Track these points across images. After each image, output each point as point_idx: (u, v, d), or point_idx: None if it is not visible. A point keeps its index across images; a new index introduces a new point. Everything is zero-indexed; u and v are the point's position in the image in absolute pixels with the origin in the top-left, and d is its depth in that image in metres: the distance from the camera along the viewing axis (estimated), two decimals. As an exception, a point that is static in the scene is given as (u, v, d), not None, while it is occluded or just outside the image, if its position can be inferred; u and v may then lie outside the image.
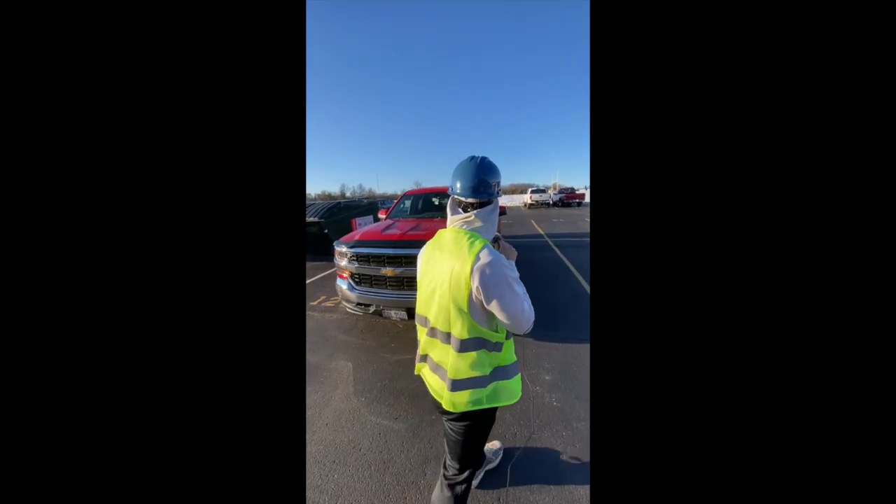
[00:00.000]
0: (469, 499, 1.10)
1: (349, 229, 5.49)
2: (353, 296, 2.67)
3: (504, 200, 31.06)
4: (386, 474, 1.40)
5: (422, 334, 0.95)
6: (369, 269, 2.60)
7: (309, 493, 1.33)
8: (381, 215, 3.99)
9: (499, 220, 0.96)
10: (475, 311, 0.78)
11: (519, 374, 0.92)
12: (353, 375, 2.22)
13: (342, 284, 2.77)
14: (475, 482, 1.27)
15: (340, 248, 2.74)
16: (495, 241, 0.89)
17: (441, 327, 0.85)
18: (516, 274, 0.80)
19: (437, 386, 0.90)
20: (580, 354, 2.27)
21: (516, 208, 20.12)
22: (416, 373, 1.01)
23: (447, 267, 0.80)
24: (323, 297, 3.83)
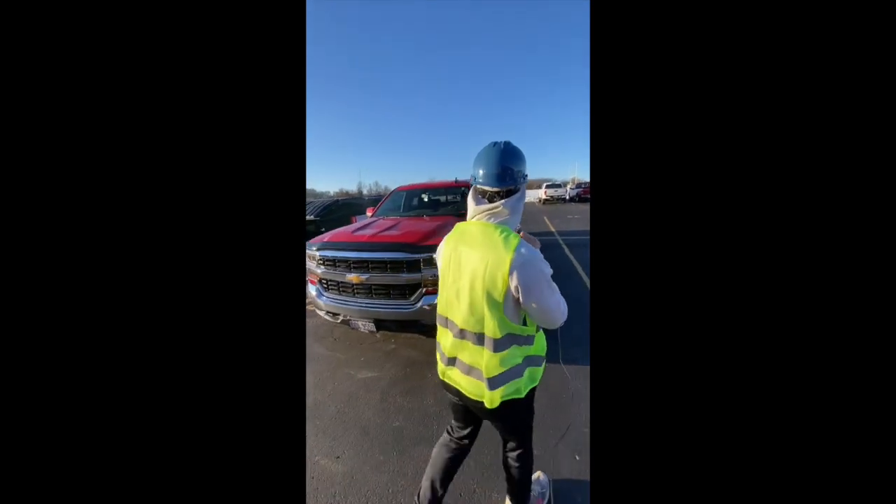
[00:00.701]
0: None
1: (345, 227, 5.26)
2: (321, 303, 2.43)
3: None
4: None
5: (444, 336, 0.91)
6: (336, 275, 2.34)
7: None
8: (369, 213, 3.75)
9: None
10: (508, 307, 0.76)
11: (544, 364, 0.92)
12: (310, 395, 1.97)
13: (311, 290, 2.53)
14: None
15: (310, 250, 2.49)
16: (518, 232, 0.83)
17: (472, 328, 0.81)
18: (550, 269, 0.77)
19: (471, 387, 0.86)
20: (576, 382, 1.90)
21: (530, 204, 19.40)
22: (440, 377, 0.96)
23: (479, 264, 0.76)
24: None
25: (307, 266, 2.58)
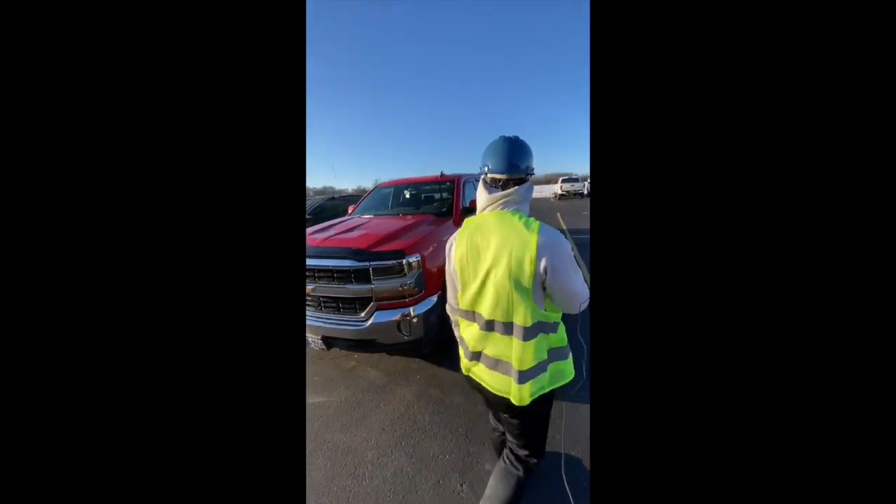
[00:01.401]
0: None
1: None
2: (273, 314, 2.16)
3: (534, 190, 29.47)
4: None
5: (468, 330, 0.90)
6: (285, 283, 2.06)
7: None
8: (350, 210, 3.47)
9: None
10: (536, 293, 0.76)
11: (571, 356, 0.89)
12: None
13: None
14: None
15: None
16: None
17: (501, 318, 0.80)
18: (572, 250, 0.77)
19: (497, 383, 0.85)
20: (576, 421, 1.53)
21: (544, 200, 18.57)
22: (464, 373, 0.96)
23: (502, 251, 0.76)
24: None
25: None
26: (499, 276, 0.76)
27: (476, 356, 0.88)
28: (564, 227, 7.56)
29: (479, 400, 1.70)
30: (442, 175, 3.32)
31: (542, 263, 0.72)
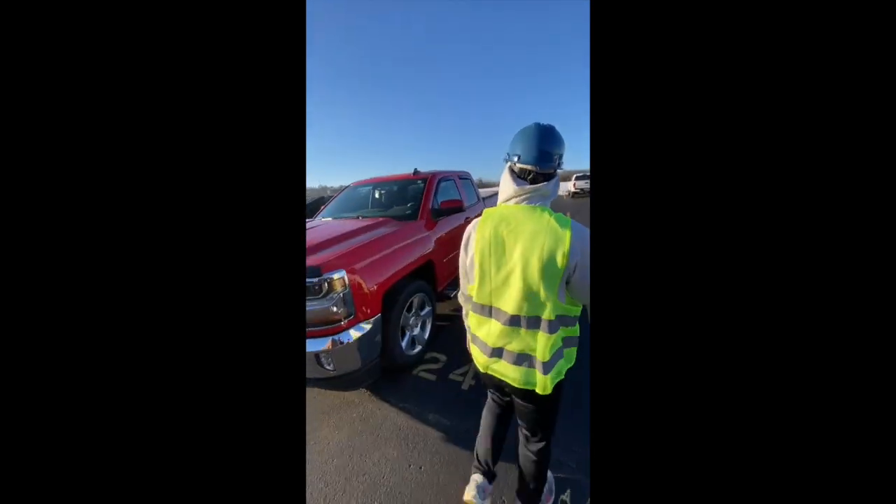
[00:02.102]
0: None
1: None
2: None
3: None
4: None
5: (485, 327, 0.87)
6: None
7: None
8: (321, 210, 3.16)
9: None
10: (561, 287, 0.76)
11: (578, 344, 0.89)
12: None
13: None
14: None
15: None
16: None
17: (527, 313, 0.79)
18: None
19: (521, 376, 0.83)
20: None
21: (557, 198, 17.82)
22: (482, 371, 0.93)
23: (534, 246, 0.74)
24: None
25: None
26: (530, 270, 0.75)
27: (497, 352, 0.86)
28: (572, 228, 7.00)
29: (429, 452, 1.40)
30: (415, 172, 2.95)
31: (576, 259, 0.73)
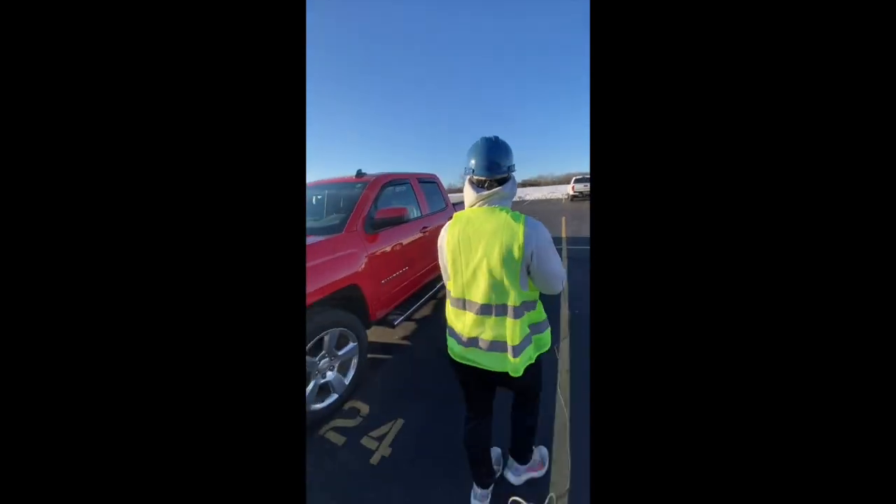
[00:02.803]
0: None
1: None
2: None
3: (546, 192, 28.11)
4: None
5: (461, 319, 0.96)
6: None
7: None
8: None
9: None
10: (522, 276, 0.86)
11: (549, 328, 1.01)
12: None
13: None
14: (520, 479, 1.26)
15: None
16: None
17: (495, 301, 0.89)
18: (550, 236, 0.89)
19: (494, 362, 0.93)
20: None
21: (555, 201, 17.25)
22: (457, 360, 1.01)
23: (494, 242, 0.85)
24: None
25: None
26: (492, 262, 0.85)
27: (471, 342, 0.95)
28: (564, 236, 6.53)
29: None
30: (358, 174, 2.50)
31: (530, 250, 0.83)
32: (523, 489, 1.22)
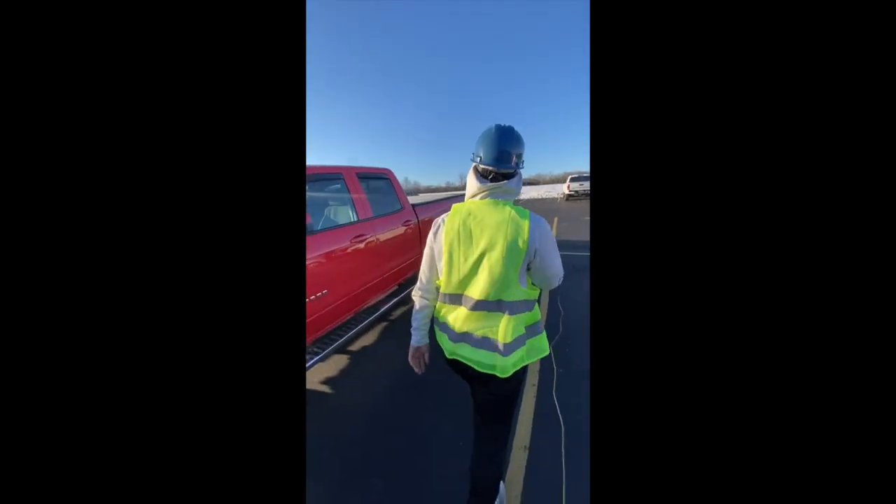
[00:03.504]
0: None
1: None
2: None
3: (543, 191, 27.30)
4: None
5: (453, 314, 0.93)
6: None
7: None
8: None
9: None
10: (522, 272, 0.84)
11: (544, 331, 0.95)
12: None
13: None
14: None
15: None
16: None
17: (492, 297, 0.85)
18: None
19: (483, 359, 0.89)
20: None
21: (550, 200, 16.68)
22: (448, 357, 0.98)
23: (498, 236, 0.82)
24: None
25: None
26: (494, 258, 0.82)
27: (462, 337, 0.92)
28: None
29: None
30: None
31: (535, 246, 0.82)
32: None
